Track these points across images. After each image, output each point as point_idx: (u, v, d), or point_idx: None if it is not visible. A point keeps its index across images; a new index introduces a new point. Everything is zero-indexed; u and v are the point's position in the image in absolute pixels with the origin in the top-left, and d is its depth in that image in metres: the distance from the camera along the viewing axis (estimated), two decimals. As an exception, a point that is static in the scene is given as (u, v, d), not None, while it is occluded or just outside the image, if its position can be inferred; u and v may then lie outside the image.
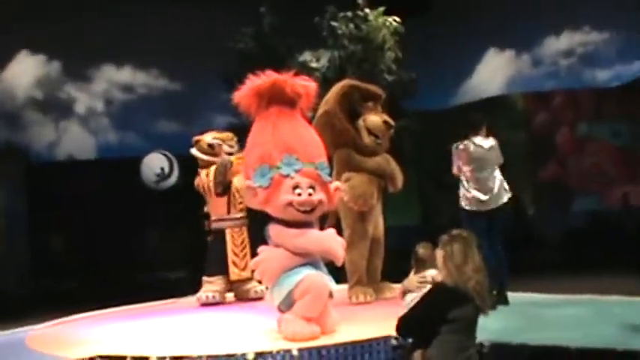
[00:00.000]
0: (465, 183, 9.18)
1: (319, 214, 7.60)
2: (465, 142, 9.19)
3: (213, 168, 11.10)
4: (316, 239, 7.39)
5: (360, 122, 10.13)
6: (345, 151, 9.88)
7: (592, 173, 20.14)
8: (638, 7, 18.47)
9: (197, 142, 11.48)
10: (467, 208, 9.13)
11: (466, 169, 9.13)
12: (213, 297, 10.86)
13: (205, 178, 11.12)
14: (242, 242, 11.15)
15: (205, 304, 10.82)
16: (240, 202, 10.89)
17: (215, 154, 11.27)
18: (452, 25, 20.92)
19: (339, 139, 9.74)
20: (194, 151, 11.48)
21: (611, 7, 19.58)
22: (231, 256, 11.05)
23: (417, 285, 6.50)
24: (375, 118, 10.15)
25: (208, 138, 11.41)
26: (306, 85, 7.79)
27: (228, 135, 11.55)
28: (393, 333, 6.79)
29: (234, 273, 11.03)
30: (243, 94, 7.74)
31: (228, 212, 11.19)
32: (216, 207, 11.21)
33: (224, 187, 10.94)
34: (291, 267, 7.27)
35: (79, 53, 21.37)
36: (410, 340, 5.84)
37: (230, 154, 11.25)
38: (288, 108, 7.66)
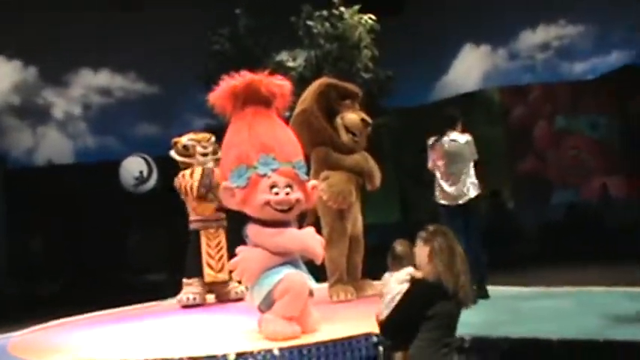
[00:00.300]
0: (439, 177, 9.22)
1: (297, 212, 7.59)
2: (440, 136, 9.22)
3: (197, 170, 11.08)
4: (295, 237, 7.39)
5: (338, 120, 10.13)
6: (322, 150, 9.89)
7: (570, 166, 20.22)
8: (613, 1, 18.57)
9: (175, 143, 11.49)
10: (442, 202, 9.18)
11: (440, 163, 9.17)
12: (194, 299, 10.85)
13: (186, 179, 11.09)
14: (218, 244, 11.13)
15: (186, 306, 10.81)
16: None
17: (190, 155, 11.27)
18: (427, 21, 20.97)
19: (316, 137, 9.74)
20: (172, 152, 11.48)
21: (586, 1, 19.68)
22: (205, 258, 11.03)
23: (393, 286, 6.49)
24: (352, 116, 10.15)
25: (184, 139, 11.41)
26: (281, 84, 7.78)
27: (205, 136, 11.53)
28: (374, 330, 6.84)
29: (209, 275, 11.00)
30: (218, 95, 7.73)
31: (194, 210, 11.20)
32: (193, 208, 11.20)
33: (207, 191, 10.91)
34: (271, 266, 7.26)
35: (56, 58, 21.34)
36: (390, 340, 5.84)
37: (204, 154, 11.25)
38: (263, 108, 7.65)
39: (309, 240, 7.43)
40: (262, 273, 7.25)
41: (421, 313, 5.28)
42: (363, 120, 10.15)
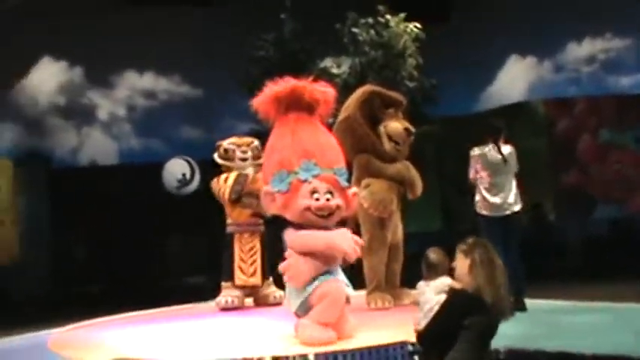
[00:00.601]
0: (481, 188, 9.19)
1: (337, 219, 7.59)
2: (483, 147, 9.19)
3: (232, 176, 11.13)
4: (320, 236, 7.33)
5: (381, 128, 10.13)
6: (364, 157, 9.89)
7: (614, 180, 20.02)
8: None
9: (218, 147, 11.55)
10: (483, 213, 9.14)
11: (483, 174, 9.14)
12: (232, 302, 10.89)
13: (220, 184, 11.14)
14: (251, 249, 11.16)
15: (224, 309, 10.85)
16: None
17: (230, 159, 11.32)
18: (473, 31, 20.86)
19: (359, 144, 9.75)
20: (215, 156, 11.55)
21: (633, 14, 19.48)
22: (237, 262, 11.07)
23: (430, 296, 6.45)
24: (396, 125, 10.14)
25: (225, 143, 11.47)
26: (325, 91, 7.80)
27: (246, 140, 11.57)
28: (410, 339, 6.84)
29: (240, 278, 11.05)
30: (261, 101, 7.77)
31: (229, 215, 11.25)
32: (229, 212, 11.26)
33: (238, 196, 10.94)
34: (320, 272, 7.26)
35: (102, 59, 21.47)
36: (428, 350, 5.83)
37: (243, 159, 11.29)
38: (306, 114, 7.67)
39: (336, 238, 7.34)
40: (310, 279, 7.24)
41: (458, 323, 5.27)
42: (406, 129, 10.13)
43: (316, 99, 7.65)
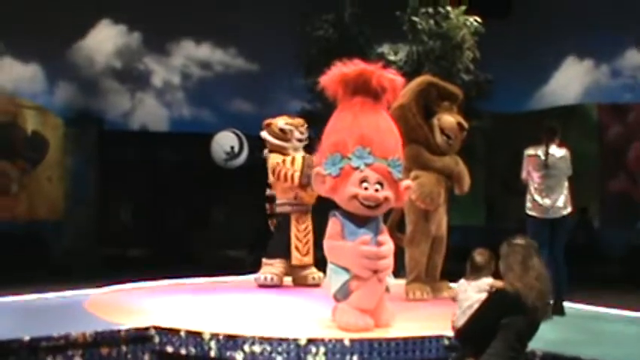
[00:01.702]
0: (532, 189, 9.14)
1: (384, 210, 7.58)
2: (538, 148, 9.13)
3: (298, 158, 11.08)
4: (343, 254, 7.40)
5: (434, 121, 10.08)
6: (415, 148, 9.83)
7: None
8: None
9: (268, 125, 11.49)
10: (532, 214, 9.09)
11: (535, 175, 9.09)
12: (272, 279, 10.94)
13: (287, 166, 11.08)
14: (305, 228, 11.21)
15: (263, 286, 10.90)
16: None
17: (286, 140, 11.29)
18: (532, 29, 20.73)
19: (410, 134, 9.67)
20: (264, 134, 11.50)
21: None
22: (294, 241, 11.11)
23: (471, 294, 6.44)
24: (449, 119, 10.08)
25: (281, 122, 11.40)
26: (393, 78, 7.72)
27: (300, 121, 11.55)
28: (447, 332, 6.85)
29: (296, 258, 11.10)
30: (329, 79, 7.71)
31: (295, 197, 11.24)
32: (283, 191, 11.26)
33: (308, 181, 10.91)
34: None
35: (160, 26, 21.58)
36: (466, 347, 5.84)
37: (300, 140, 11.28)
38: (371, 100, 7.59)
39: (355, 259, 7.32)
40: None
41: (496, 322, 5.29)
42: (459, 124, 10.08)
43: (383, 86, 7.58)
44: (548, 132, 9.23)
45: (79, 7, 20.28)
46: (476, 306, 5.78)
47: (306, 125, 11.33)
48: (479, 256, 6.29)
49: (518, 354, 5.41)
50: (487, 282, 6.09)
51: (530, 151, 9.21)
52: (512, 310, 5.28)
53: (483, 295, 5.84)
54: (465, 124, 10.12)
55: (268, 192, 11.58)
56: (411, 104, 9.84)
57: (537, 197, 9.06)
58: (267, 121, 11.56)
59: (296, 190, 11.11)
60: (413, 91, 9.96)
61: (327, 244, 7.49)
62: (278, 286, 10.96)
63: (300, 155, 11.12)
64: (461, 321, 5.91)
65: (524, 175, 9.26)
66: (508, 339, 5.28)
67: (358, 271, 7.23)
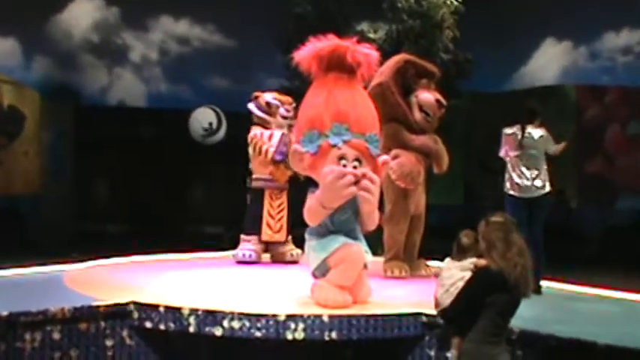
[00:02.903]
0: (510, 168, 9.17)
1: (362, 187, 7.61)
2: (516, 127, 9.16)
3: (277, 134, 11.11)
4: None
5: (413, 98, 10.12)
6: (393, 126, 9.84)
7: (638, 172, 19.93)
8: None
9: (256, 97, 11.51)
10: (510, 193, 9.13)
11: (513, 154, 9.12)
12: (250, 255, 10.96)
13: (263, 139, 11.09)
14: (279, 205, 11.21)
15: (241, 262, 10.92)
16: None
17: (271, 114, 11.30)
18: (511, 10, 20.74)
19: (389, 112, 9.67)
20: (251, 106, 11.49)
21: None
22: (266, 217, 11.12)
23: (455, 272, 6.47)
24: (428, 96, 10.12)
25: (268, 96, 11.46)
26: (368, 53, 7.72)
27: (288, 99, 11.55)
28: (425, 310, 6.90)
29: (267, 234, 11.13)
30: (303, 56, 7.69)
31: (270, 173, 11.24)
32: (259, 166, 11.26)
33: (282, 159, 10.91)
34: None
35: (138, 1, 21.49)
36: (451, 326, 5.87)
37: (285, 117, 11.27)
38: (346, 75, 7.60)
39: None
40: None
41: (481, 300, 5.31)
42: (437, 101, 10.12)
43: (358, 61, 7.59)
44: (527, 113, 9.26)
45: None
46: (459, 284, 5.81)
47: (293, 104, 11.25)
48: (465, 237, 6.32)
49: (502, 330, 5.46)
50: (471, 261, 6.12)
51: (508, 130, 9.24)
52: (496, 287, 5.30)
53: (467, 274, 5.87)
54: (444, 101, 10.17)
55: (251, 165, 11.58)
56: (390, 82, 9.84)
57: (515, 176, 9.11)
58: (256, 93, 11.58)
59: (269, 166, 11.12)
60: (391, 69, 9.96)
61: (306, 210, 7.48)
62: (256, 262, 10.97)
63: (279, 132, 11.13)
64: (447, 300, 5.94)
65: (502, 153, 9.29)
66: (492, 317, 5.32)
67: (339, 194, 7.18)
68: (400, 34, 16.32)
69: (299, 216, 7.87)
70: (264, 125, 11.29)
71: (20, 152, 19.95)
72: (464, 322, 5.42)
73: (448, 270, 6.32)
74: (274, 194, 11.22)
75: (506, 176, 9.22)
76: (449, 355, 5.71)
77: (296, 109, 10.77)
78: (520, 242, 5.44)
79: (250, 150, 11.27)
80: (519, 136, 9.10)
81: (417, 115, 10.09)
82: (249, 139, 11.25)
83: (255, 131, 11.24)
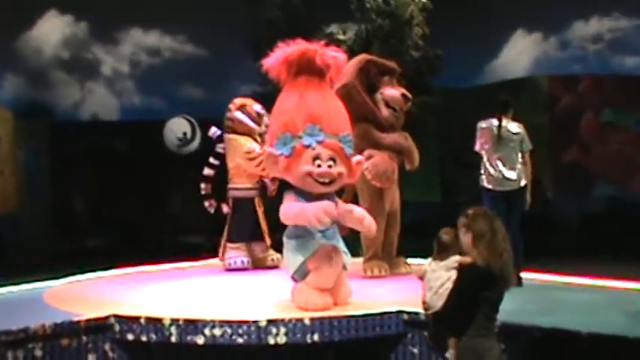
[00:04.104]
0: (486, 162, 9.18)
1: (338, 186, 7.64)
2: (491, 120, 9.17)
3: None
4: (294, 207, 7.41)
5: (378, 95, 10.16)
6: (363, 126, 9.84)
7: (614, 160, 20.01)
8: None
9: (243, 106, 11.46)
10: (487, 187, 9.14)
11: (489, 148, 9.13)
12: (243, 262, 10.95)
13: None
14: (262, 212, 11.29)
15: (233, 270, 10.87)
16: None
17: (259, 124, 11.29)
18: (480, 4, 20.78)
19: (357, 112, 9.61)
20: (239, 114, 11.41)
21: (641, -6, 19.48)
22: (263, 225, 11.19)
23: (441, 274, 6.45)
24: (393, 91, 10.18)
25: (257, 107, 11.47)
26: (336, 56, 7.79)
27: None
28: (406, 308, 6.90)
29: (268, 240, 11.29)
30: (272, 62, 7.74)
31: (257, 182, 11.26)
32: (249, 176, 11.23)
33: None
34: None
35: (107, 15, 21.41)
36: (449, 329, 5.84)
37: (267, 126, 11.20)
38: (316, 78, 7.66)
39: (306, 208, 7.28)
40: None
41: (475, 297, 5.29)
42: (403, 95, 10.16)
43: (327, 63, 7.64)
44: (501, 105, 9.28)
45: (25, -2, 20.13)
46: (448, 285, 5.80)
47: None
48: (445, 235, 6.31)
49: (494, 322, 5.45)
50: (455, 259, 6.11)
51: (483, 124, 9.26)
52: (487, 282, 5.27)
53: (453, 273, 5.86)
54: (409, 95, 10.21)
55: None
56: (355, 82, 9.88)
57: (492, 170, 9.12)
58: (240, 102, 11.53)
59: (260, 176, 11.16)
60: (354, 70, 10.00)
61: (284, 208, 7.48)
62: (247, 269, 10.95)
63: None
64: (438, 302, 5.93)
65: (477, 147, 9.30)
66: (486, 311, 5.31)
67: (297, 220, 7.30)
68: (369, 34, 16.34)
69: (276, 221, 7.86)
70: (251, 135, 11.27)
71: (-4, 172, 19.86)
72: (461, 322, 5.39)
73: (433, 272, 6.30)
74: (259, 202, 11.25)
75: (482, 170, 9.24)
76: (447, 355, 5.68)
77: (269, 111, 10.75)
78: (503, 231, 5.43)
79: (241, 161, 11.18)
80: (495, 129, 9.11)
81: (385, 112, 10.12)
82: (245, 151, 11.15)
83: (251, 146, 11.18)
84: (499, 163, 9.10)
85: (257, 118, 11.34)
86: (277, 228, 8.10)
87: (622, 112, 20.18)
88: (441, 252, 6.30)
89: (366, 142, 9.77)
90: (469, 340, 5.32)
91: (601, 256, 13.83)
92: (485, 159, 9.23)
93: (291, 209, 7.41)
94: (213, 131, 11.64)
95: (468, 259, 5.55)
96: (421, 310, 6.47)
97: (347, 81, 9.77)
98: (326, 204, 7.23)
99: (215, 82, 21.07)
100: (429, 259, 6.44)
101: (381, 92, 10.16)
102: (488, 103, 9.53)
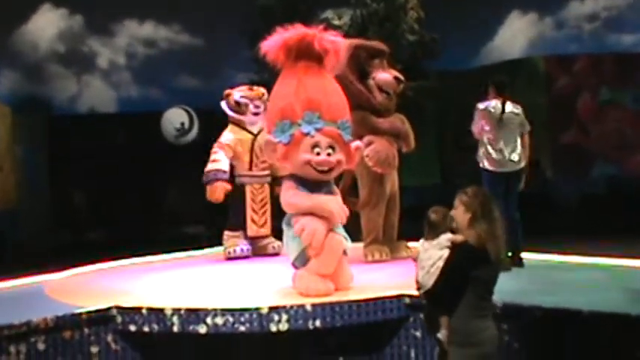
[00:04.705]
0: (487, 144, 9.11)
1: (337, 174, 7.63)
2: (490, 102, 9.13)
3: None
4: (308, 198, 7.39)
5: (370, 81, 10.08)
6: (359, 114, 9.73)
7: (612, 139, 20.03)
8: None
9: (227, 95, 11.38)
10: (488, 168, 9.08)
11: (489, 129, 9.07)
12: (242, 250, 10.89)
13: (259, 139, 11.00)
14: (262, 200, 11.17)
15: (233, 258, 10.83)
16: (263, 161, 10.85)
17: (241, 113, 11.18)
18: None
19: (353, 101, 9.49)
20: (223, 104, 11.37)
21: (637, -27, 19.47)
22: (250, 213, 11.08)
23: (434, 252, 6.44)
24: (385, 75, 10.10)
25: (237, 95, 11.23)
26: (335, 40, 7.72)
27: (258, 93, 11.29)
28: (407, 291, 6.89)
29: (252, 229, 11.08)
30: (271, 46, 7.65)
31: (250, 169, 11.19)
32: (239, 163, 11.20)
33: None
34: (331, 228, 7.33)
35: (102, 7, 21.41)
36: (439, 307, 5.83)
37: (256, 114, 11.13)
38: (315, 63, 7.59)
39: (324, 200, 7.38)
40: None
41: (465, 277, 5.28)
42: (395, 77, 10.10)
43: (326, 48, 7.57)
44: (502, 86, 9.24)
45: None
46: (440, 264, 5.78)
47: (264, 97, 11.02)
48: (433, 213, 6.28)
49: (488, 303, 5.44)
50: (447, 238, 6.09)
51: (481, 106, 9.19)
52: (478, 260, 5.26)
53: (445, 252, 5.84)
54: (401, 77, 10.14)
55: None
56: (346, 72, 9.78)
57: (493, 152, 9.06)
58: (227, 91, 11.41)
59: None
60: (343, 59, 9.93)
61: (286, 195, 7.49)
62: (248, 257, 10.91)
63: None
64: (429, 281, 5.91)
65: (476, 130, 9.24)
66: (477, 291, 5.28)
67: (314, 210, 7.29)
68: (365, 19, 16.32)
69: (277, 209, 7.86)
70: (240, 124, 11.20)
71: (-5, 169, 19.89)
72: (450, 300, 5.38)
73: (425, 251, 6.28)
74: (255, 189, 11.17)
75: (482, 152, 9.15)
76: (439, 335, 5.66)
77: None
78: (494, 214, 5.41)
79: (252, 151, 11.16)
80: (499, 111, 9.08)
81: (379, 97, 10.05)
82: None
83: (223, 139, 11.14)
84: (501, 145, 9.06)
85: (237, 108, 11.24)
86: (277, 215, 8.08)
87: (618, 90, 20.18)
88: (431, 231, 6.28)
89: (364, 128, 9.72)
90: (465, 321, 5.32)
91: (600, 235, 13.84)
92: (485, 140, 9.15)
93: (303, 199, 7.39)
94: None
95: (460, 238, 5.54)
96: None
97: (338, 72, 9.71)
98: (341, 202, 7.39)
99: (211, 72, 21.12)
100: (421, 240, 6.44)
101: (373, 77, 10.08)
102: (481, 85, 9.49)
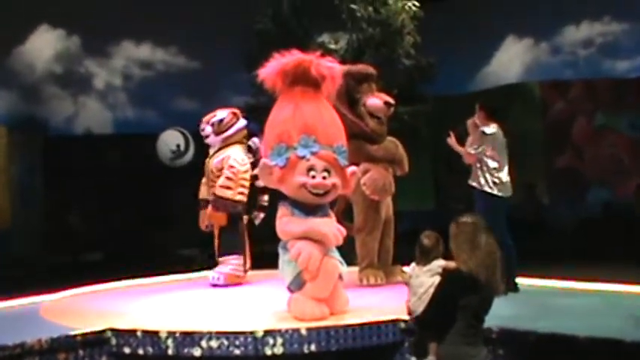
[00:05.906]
0: (491, 168, 8.95)
1: (332, 198, 7.64)
2: (494, 127, 9.10)
3: None
4: (302, 223, 7.39)
5: (362, 108, 10.07)
6: (354, 143, 9.66)
7: (607, 164, 20.07)
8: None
9: (210, 118, 11.30)
10: (495, 193, 8.90)
11: (494, 153, 8.99)
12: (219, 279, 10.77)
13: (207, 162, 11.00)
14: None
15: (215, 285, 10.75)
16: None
17: (218, 133, 11.11)
18: (471, 10, 20.89)
19: (347, 131, 9.61)
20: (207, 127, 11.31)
21: (631, -1, 19.56)
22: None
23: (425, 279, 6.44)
24: (376, 101, 10.11)
25: (215, 119, 11.01)
26: (332, 66, 7.76)
27: (208, 116, 11.18)
28: (402, 316, 6.90)
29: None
30: (268, 72, 7.71)
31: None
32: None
33: None
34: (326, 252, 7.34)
35: (99, 29, 21.45)
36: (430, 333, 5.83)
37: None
38: (312, 89, 7.64)
39: (317, 224, 7.38)
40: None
41: (455, 304, 5.29)
42: (386, 103, 10.12)
43: (322, 74, 7.62)
44: (490, 109, 9.23)
45: (16, 13, 20.09)
46: (431, 290, 5.80)
47: (212, 119, 11.03)
48: (426, 239, 6.32)
49: (477, 330, 5.45)
50: (439, 264, 6.11)
51: (487, 130, 9.07)
52: (468, 289, 5.28)
53: (437, 279, 5.86)
54: (391, 100, 10.17)
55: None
56: (337, 104, 9.67)
57: (499, 176, 8.97)
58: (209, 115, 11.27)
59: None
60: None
61: (280, 223, 7.49)
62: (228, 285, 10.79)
63: None
64: (419, 307, 5.93)
65: (488, 153, 9.05)
66: (467, 318, 5.31)
67: (307, 235, 7.29)
68: (361, 43, 16.34)
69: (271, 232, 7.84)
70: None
71: (-10, 188, 19.87)
72: (440, 327, 5.39)
73: (417, 277, 6.31)
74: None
75: (487, 176, 8.99)
76: (427, 361, 5.69)
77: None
78: (487, 244, 5.40)
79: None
80: (501, 135, 9.10)
81: (371, 124, 10.06)
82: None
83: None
84: (503, 169, 9.05)
85: (216, 128, 11.14)
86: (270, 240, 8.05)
87: (614, 115, 20.24)
88: (424, 256, 6.32)
89: (360, 156, 9.71)
90: (454, 348, 5.33)
91: (596, 260, 13.84)
92: (490, 164, 9.01)
93: (296, 226, 7.40)
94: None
95: (452, 265, 5.56)
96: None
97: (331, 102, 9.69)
98: (336, 224, 7.41)
99: (208, 94, 21.10)
100: (412, 264, 6.45)
101: (363, 103, 10.07)
102: (473, 110, 9.48)
